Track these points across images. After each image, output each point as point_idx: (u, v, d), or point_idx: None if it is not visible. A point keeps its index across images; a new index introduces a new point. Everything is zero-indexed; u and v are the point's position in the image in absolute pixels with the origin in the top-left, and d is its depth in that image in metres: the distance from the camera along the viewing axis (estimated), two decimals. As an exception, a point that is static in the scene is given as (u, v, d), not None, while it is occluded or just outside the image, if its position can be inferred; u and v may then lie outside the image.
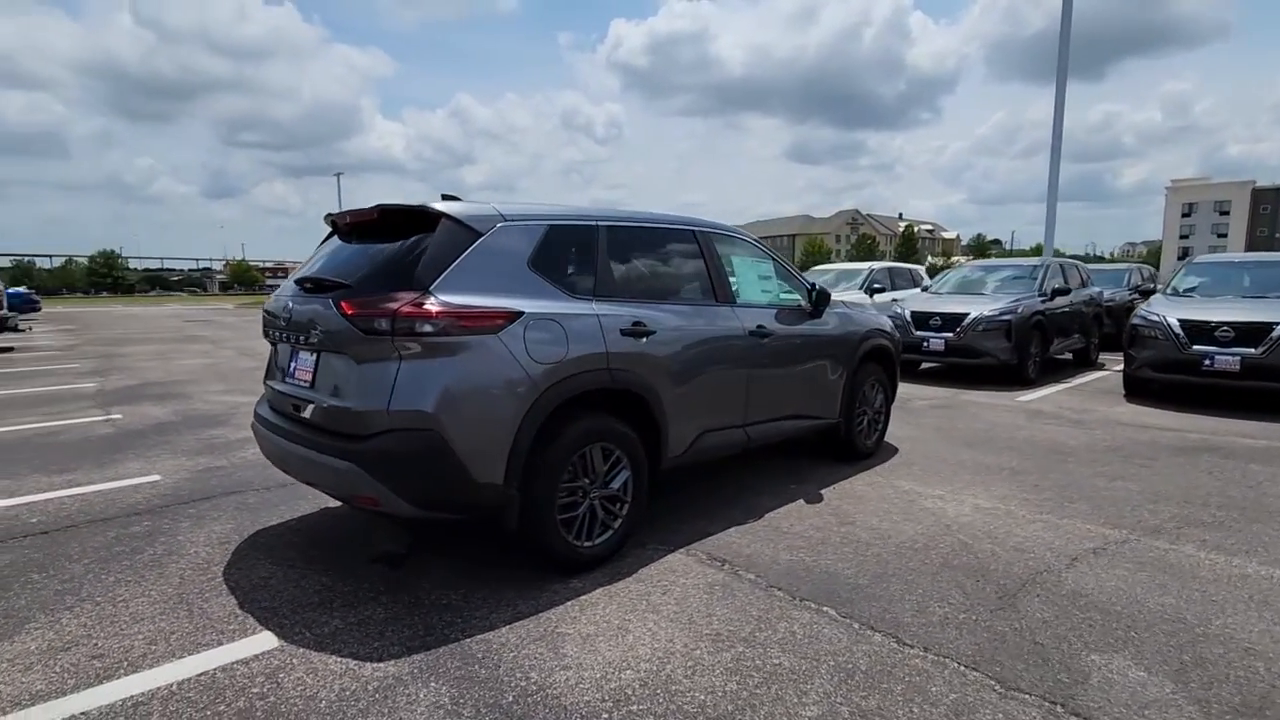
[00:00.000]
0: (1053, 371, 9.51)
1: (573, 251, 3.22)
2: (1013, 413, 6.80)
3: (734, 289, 3.96)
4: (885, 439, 5.52)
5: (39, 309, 26.18)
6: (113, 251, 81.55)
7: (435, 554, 3.29)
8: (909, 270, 13.38)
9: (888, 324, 5.23)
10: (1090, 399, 7.63)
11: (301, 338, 2.96)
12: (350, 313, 2.67)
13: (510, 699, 2.17)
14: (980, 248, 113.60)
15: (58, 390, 8.36)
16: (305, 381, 2.99)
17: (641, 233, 3.63)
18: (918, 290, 10.94)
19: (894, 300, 10.31)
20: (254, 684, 2.25)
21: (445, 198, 3.23)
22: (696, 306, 3.69)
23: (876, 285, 11.57)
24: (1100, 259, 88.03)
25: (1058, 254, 13.10)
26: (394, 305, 2.61)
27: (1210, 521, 3.75)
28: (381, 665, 2.35)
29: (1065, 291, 9.47)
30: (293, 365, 3.12)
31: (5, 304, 13.08)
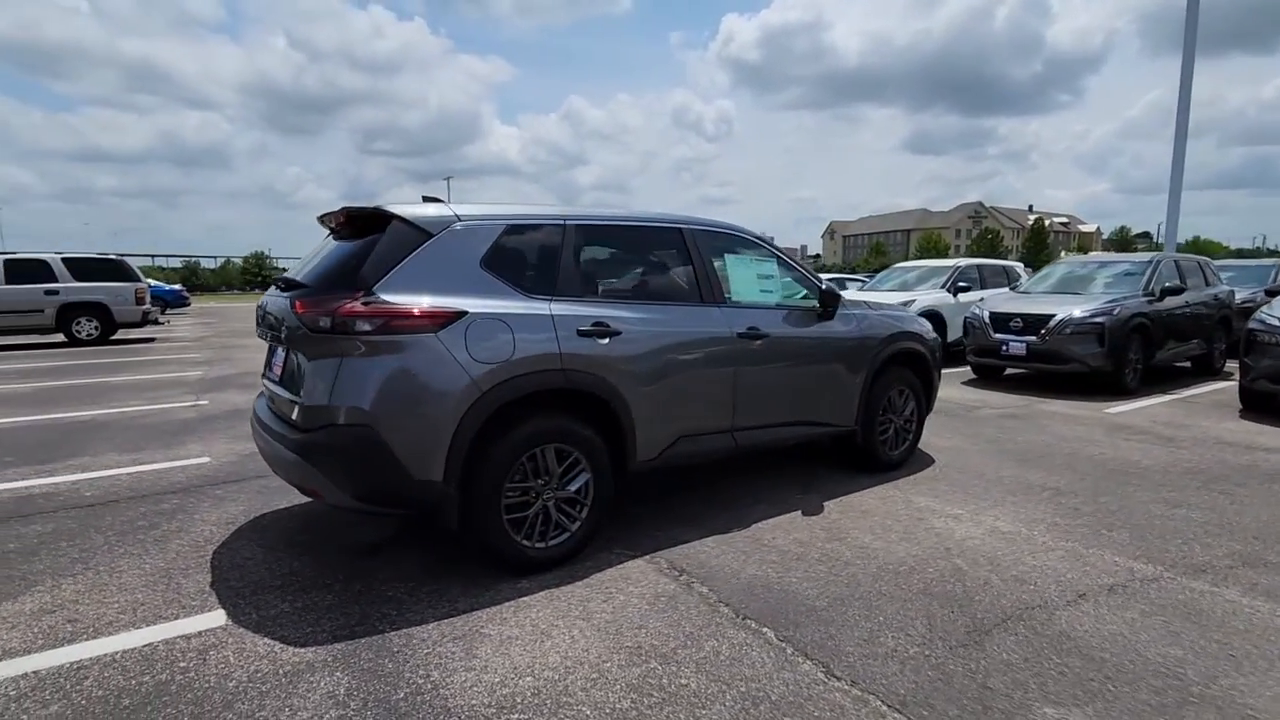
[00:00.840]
0: (1162, 380, 8.49)
1: (534, 251, 3.21)
2: (1090, 426, 6.12)
3: (726, 289, 3.80)
4: (922, 449, 5.14)
5: (189, 304, 29.50)
6: (262, 253, 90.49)
7: (414, 546, 3.39)
8: (1004, 267, 12.37)
9: (920, 327, 4.85)
10: (1195, 413, 6.73)
11: (276, 335, 3.13)
12: (300, 311, 2.79)
13: (400, 696, 2.19)
14: (1123, 242, 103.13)
15: (168, 377, 9.35)
16: (278, 377, 3.17)
17: (617, 232, 3.56)
18: (1007, 290, 10.09)
19: (980, 299, 9.56)
20: (183, 659, 2.40)
21: (426, 199, 3.33)
22: (676, 306, 3.57)
23: (962, 284, 10.78)
24: (1274, 253, 77.46)
25: (1192, 248, 11.66)
26: (335, 305, 2.71)
27: (1277, 563, 3.20)
28: (301, 651, 2.45)
29: (1178, 291, 8.40)
30: (273, 361, 3.31)
31: (149, 300, 14.77)
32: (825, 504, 4.01)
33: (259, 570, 3.12)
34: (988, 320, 8.41)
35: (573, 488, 3.15)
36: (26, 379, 9.25)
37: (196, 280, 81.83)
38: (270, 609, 2.76)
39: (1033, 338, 7.92)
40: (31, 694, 2.20)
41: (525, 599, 2.85)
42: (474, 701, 2.17)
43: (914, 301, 10.18)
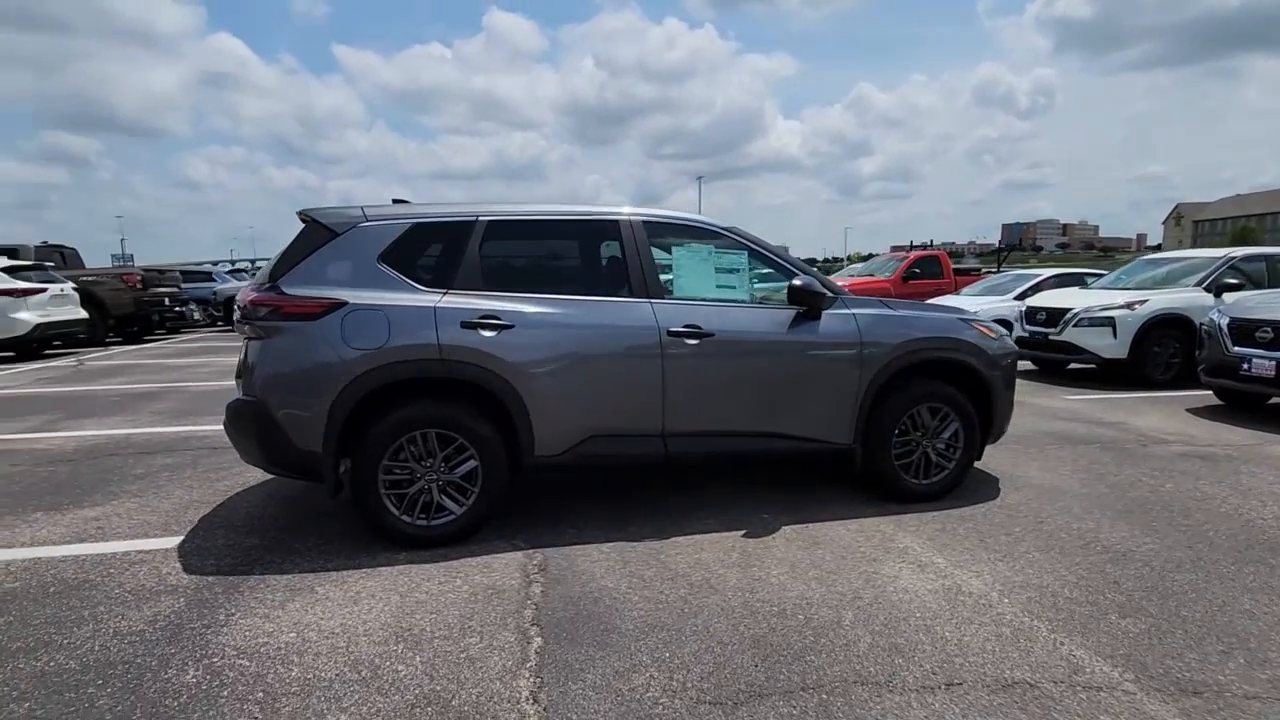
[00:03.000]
0: None
1: (437, 247, 3.39)
2: (1314, 480, 4.34)
3: (667, 283, 3.56)
4: (1007, 482, 4.23)
5: None
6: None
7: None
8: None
9: (971, 335, 3.92)
10: None
11: None
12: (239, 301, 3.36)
13: (195, 625, 2.58)
14: None
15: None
16: None
17: (536, 226, 3.56)
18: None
19: (1229, 302, 7.22)
20: (116, 564, 3.11)
21: (395, 201, 3.72)
22: (590, 300, 3.46)
23: (1232, 280, 8.19)
24: None
25: None
26: (247, 296, 3.21)
27: (1358, 709, 2.06)
28: (186, 578, 2.99)
29: None
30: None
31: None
32: (784, 528, 3.54)
33: (244, 514, 3.81)
34: (1224, 329, 6.34)
35: (459, 472, 3.28)
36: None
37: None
38: (212, 541, 3.39)
39: (1290, 354, 5.78)
40: (18, 571, 3.06)
41: (380, 568, 3.07)
42: (227, 641, 2.46)
43: (1144, 303, 8.08)
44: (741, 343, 3.58)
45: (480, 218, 3.44)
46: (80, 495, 4.13)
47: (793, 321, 3.65)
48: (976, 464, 4.39)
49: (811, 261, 49.59)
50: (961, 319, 4.02)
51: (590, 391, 3.39)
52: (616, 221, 3.59)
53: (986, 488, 4.19)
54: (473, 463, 3.28)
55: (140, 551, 3.27)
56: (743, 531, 3.50)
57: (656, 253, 3.61)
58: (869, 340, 3.72)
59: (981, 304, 11.02)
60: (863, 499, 3.94)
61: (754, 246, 3.77)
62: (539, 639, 2.49)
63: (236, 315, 3.31)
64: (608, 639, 2.48)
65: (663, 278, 3.63)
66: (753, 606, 2.72)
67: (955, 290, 13.06)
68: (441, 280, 3.32)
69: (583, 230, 3.64)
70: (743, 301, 3.67)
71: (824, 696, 2.13)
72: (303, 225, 3.37)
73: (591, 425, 3.42)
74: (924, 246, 15.72)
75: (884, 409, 3.78)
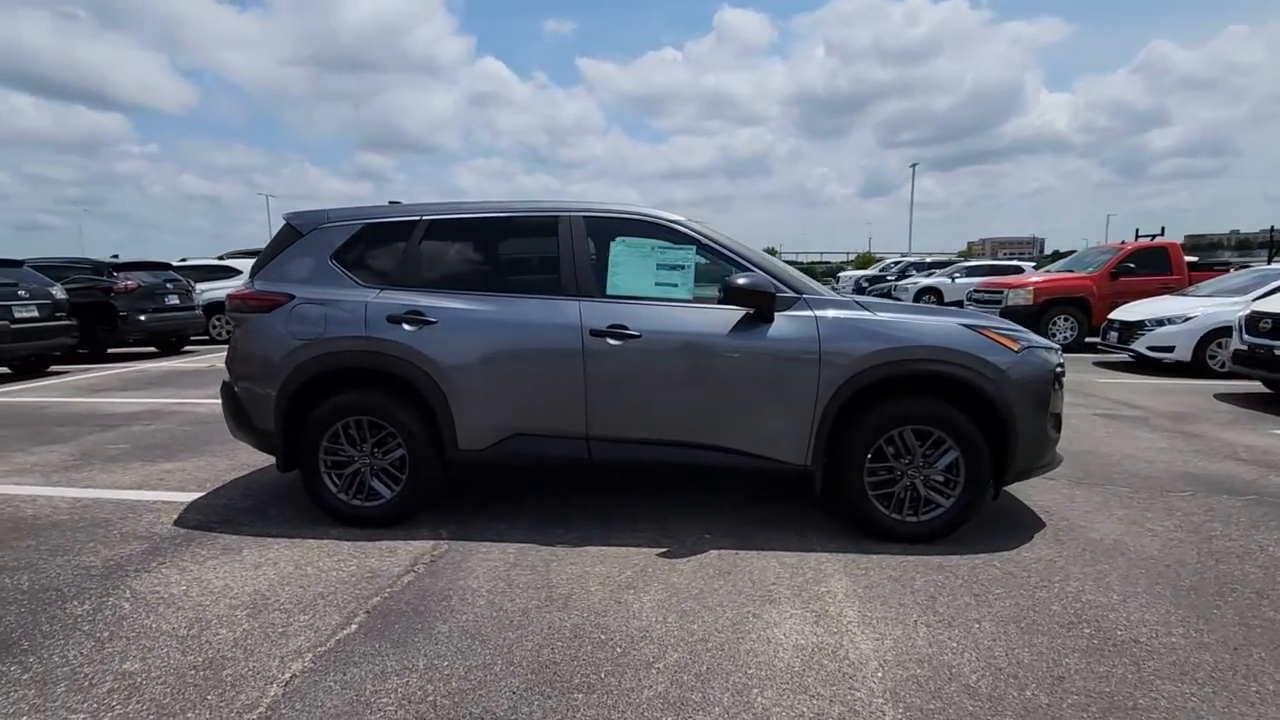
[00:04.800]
0: None
1: (380, 246, 3.57)
2: None
3: (601, 281, 3.39)
4: (1066, 531, 3.43)
5: None
6: (772, 249, 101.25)
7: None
8: None
9: (962, 343, 3.18)
10: None
11: None
12: (234, 298, 3.86)
13: (131, 567, 3.05)
14: None
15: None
16: None
17: (475, 225, 3.58)
18: None
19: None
20: (142, 509, 3.77)
21: (391, 203, 4.04)
22: (516, 298, 3.40)
23: None
24: None
25: None
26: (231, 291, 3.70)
27: None
28: (165, 529, 3.53)
29: None
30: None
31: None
32: (710, 551, 3.21)
33: (265, 479, 4.36)
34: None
35: (389, 459, 3.46)
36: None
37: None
38: (217, 501, 3.95)
39: None
40: (67, 506, 3.85)
41: (306, 540, 3.34)
42: (136, 586, 2.87)
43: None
44: (673, 345, 3.29)
45: (423, 217, 3.58)
46: (180, 451, 5.06)
47: (738, 324, 3.27)
48: (1031, 501, 3.61)
49: (1055, 255, 42.83)
50: (965, 325, 3.28)
51: (512, 390, 3.37)
52: (555, 218, 3.50)
53: (1014, 533, 3.40)
54: (401, 451, 3.44)
55: (163, 502, 3.93)
56: (662, 550, 3.24)
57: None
58: (831, 348, 3.20)
59: (1206, 306, 8.88)
60: (846, 533, 3.41)
61: (704, 240, 3.44)
62: (355, 627, 2.55)
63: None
64: (410, 639, 2.47)
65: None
66: (581, 630, 2.52)
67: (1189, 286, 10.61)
68: (380, 278, 3.52)
69: (521, 228, 3.60)
70: (684, 301, 3.37)
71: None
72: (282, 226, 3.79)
73: (515, 424, 3.39)
74: (1151, 237, 12.94)
75: (854, 429, 3.23)
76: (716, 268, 3.44)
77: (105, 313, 10.53)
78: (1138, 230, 13.23)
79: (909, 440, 3.24)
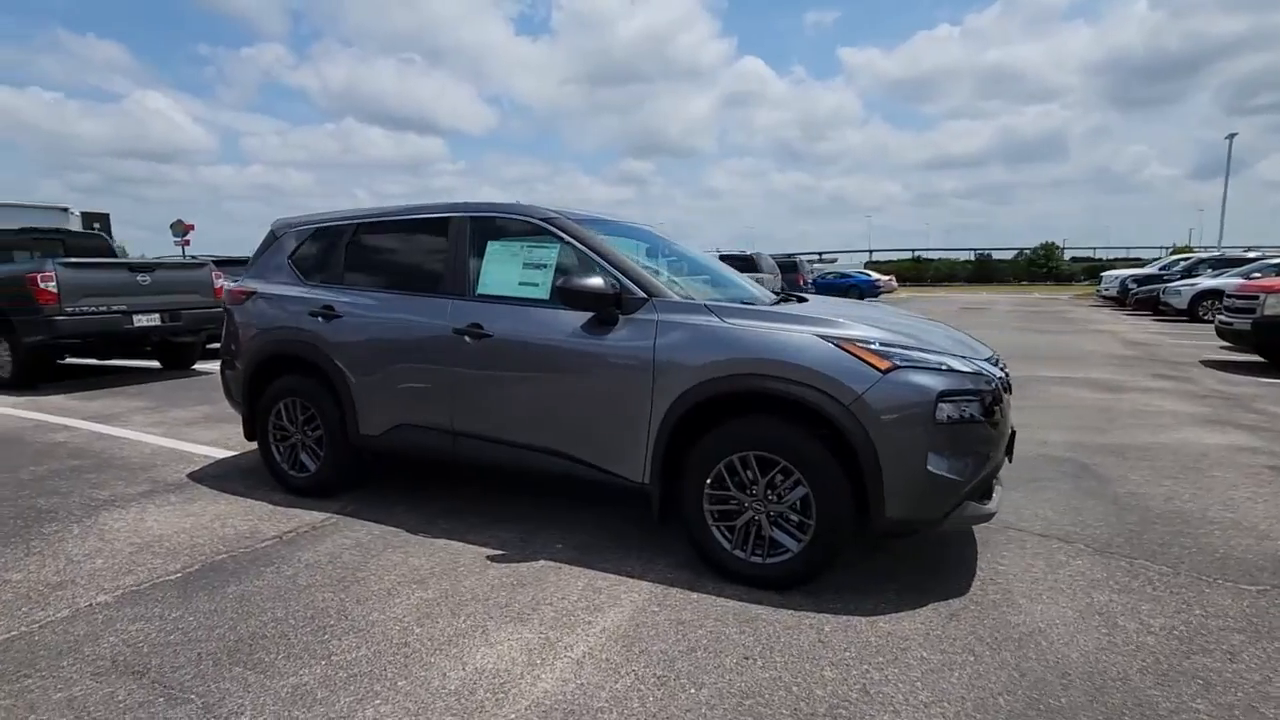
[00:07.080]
0: None
1: (321, 248, 4.00)
2: None
3: (472, 280, 3.44)
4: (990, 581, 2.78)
5: (880, 291, 31.56)
6: (1053, 244, 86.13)
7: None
8: None
9: (805, 357, 2.62)
10: None
11: None
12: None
13: (116, 502, 3.87)
14: None
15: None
16: None
17: (389, 226, 3.82)
18: None
19: None
20: (187, 460, 4.70)
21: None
22: (404, 295, 3.60)
23: None
24: None
25: None
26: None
27: None
28: (177, 477, 4.36)
29: None
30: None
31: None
32: (540, 561, 3.10)
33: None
34: None
35: (313, 437, 3.90)
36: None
37: (985, 271, 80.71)
38: (238, 463, 4.76)
39: None
40: (150, 451, 4.92)
41: (246, 499, 3.91)
42: (104, 518, 3.64)
43: None
44: (518, 346, 3.22)
45: (353, 221, 3.95)
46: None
47: (582, 328, 3.09)
48: (989, 558, 2.97)
49: None
50: (821, 335, 2.69)
51: (395, 382, 3.58)
52: (447, 219, 3.61)
53: (906, 595, 2.73)
54: (319, 431, 3.85)
55: (207, 457, 4.84)
56: (496, 552, 3.20)
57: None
58: (665, 358, 2.88)
59: None
60: (698, 564, 3.05)
61: (567, 238, 3.28)
62: (176, 576, 2.97)
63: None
64: (195, 593, 2.79)
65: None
66: (318, 616, 2.63)
67: None
68: (315, 276, 3.97)
69: (421, 228, 3.76)
70: (541, 301, 3.27)
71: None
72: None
73: (400, 415, 3.60)
74: None
75: (695, 449, 2.88)
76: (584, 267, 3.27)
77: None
78: None
79: (753, 468, 2.78)
